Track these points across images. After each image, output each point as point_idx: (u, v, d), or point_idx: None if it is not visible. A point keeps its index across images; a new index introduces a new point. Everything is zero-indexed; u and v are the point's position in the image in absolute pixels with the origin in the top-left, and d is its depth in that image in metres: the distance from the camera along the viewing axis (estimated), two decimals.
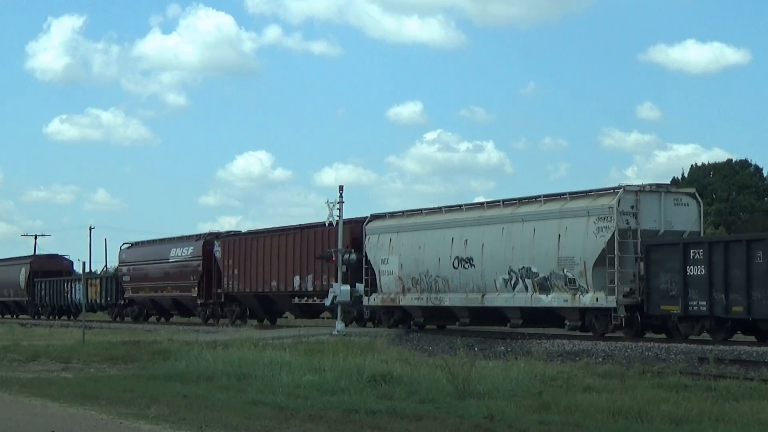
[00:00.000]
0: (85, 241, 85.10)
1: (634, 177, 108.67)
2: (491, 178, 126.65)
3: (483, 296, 30.26)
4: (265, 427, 12.35)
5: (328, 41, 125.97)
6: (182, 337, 29.72)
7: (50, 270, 61.51)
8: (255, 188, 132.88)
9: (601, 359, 22.60)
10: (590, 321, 27.62)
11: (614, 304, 26.45)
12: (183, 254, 46.25)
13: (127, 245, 52.96)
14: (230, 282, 42.26)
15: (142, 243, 52.44)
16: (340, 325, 32.51)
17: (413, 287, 32.91)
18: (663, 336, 26.72)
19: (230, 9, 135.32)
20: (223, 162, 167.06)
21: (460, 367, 16.05)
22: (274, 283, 39.41)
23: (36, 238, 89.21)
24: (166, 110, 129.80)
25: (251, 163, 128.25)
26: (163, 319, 50.71)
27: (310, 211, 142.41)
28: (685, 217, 27.75)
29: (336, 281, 33.89)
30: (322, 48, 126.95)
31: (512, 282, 29.41)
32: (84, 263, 69.79)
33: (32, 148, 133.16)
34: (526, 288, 28.92)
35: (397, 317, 34.11)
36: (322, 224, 36.40)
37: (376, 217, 35.67)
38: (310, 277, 37.38)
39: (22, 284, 62.50)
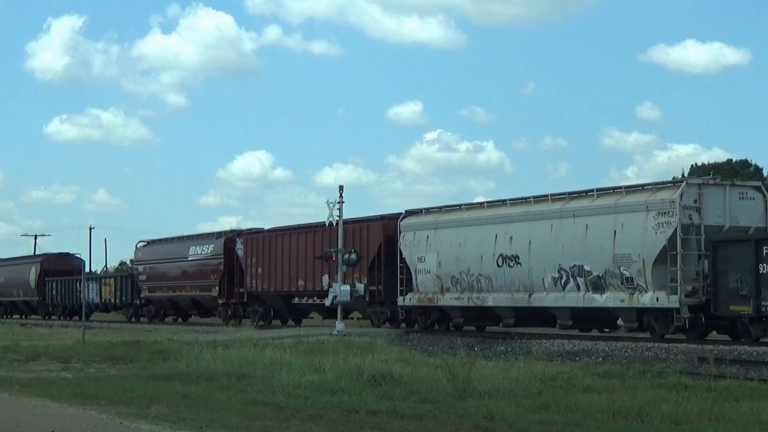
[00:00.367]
0: (85, 241, 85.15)
1: (634, 177, 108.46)
2: (491, 178, 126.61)
3: (530, 296, 28.95)
4: (265, 427, 12.34)
5: (328, 41, 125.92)
6: (182, 337, 29.73)
7: (61, 269, 59.94)
8: (255, 188, 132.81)
9: (601, 359, 22.59)
10: (649, 322, 26.26)
11: (676, 305, 25.05)
12: (203, 252, 44.77)
13: (143, 243, 51.48)
14: (253, 281, 40.93)
15: (159, 241, 50.92)
16: (340, 325, 32.48)
17: (453, 286, 31.53)
18: (727, 338, 25.76)
19: (230, 9, 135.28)
20: (223, 162, 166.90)
21: (460, 367, 16.05)
22: (300, 282, 38.08)
23: (36, 238, 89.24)
24: (166, 110, 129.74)
25: (251, 163, 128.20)
26: (180, 320, 49.46)
27: (310, 211, 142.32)
28: (751, 211, 26.21)
29: (336, 281, 33.72)
30: (322, 48, 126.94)
31: (562, 281, 28.12)
32: (84, 263, 69.37)
33: (32, 148, 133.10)
34: (578, 287, 27.62)
35: (435, 318, 32.89)
36: (352, 221, 35.74)
37: (411, 213, 34.43)
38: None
39: (32, 284, 61.15)
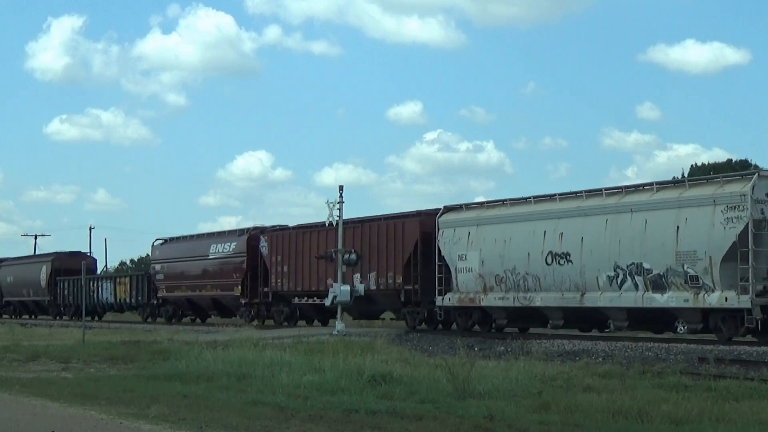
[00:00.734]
0: (85, 241, 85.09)
1: (634, 177, 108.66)
2: (491, 178, 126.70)
3: (582, 296, 27.50)
4: (265, 427, 12.34)
5: (328, 41, 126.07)
6: (182, 337, 29.74)
7: (72, 268, 57.59)
8: (255, 188, 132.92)
9: (601, 359, 22.59)
10: (715, 323, 24.89)
11: (748, 305, 23.61)
12: (225, 250, 43.18)
13: (160, 241, 50.07)
14: (278, 280, 39.47)
15: (178, 239, 49.23)
16: (340, 325, 32.42)
17: (497, 286, 30.12)
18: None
19: (230, 9, 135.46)
20: (223, 162, 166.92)
21: (460, 367, 16.05)
22: (330, 281, 36.20)
23: (36, 238, 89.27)
24: (166, 110, 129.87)
25: (251, 163, 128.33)
26: (198, 320, 48.05)
27: (311, 211, 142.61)
28: None
29: (336, 281, 33.59)
30: (322, 48, 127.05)
31: (618, 279, 26.66)
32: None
33: (32, 148, 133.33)
34: (636, 286, 26.10)
35: (476, 319, 31.51)
36: (384, 217, 35.20)
37: (450, 208, 32.87)
38: (373, 275, 34.74)
39: (43, 283, 59.95)
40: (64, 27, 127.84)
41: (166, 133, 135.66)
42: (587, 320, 29.36)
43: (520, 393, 15.43)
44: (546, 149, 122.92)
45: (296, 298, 39.01)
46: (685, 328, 26.60)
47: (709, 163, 75.95)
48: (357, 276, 34.93)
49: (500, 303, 30.17)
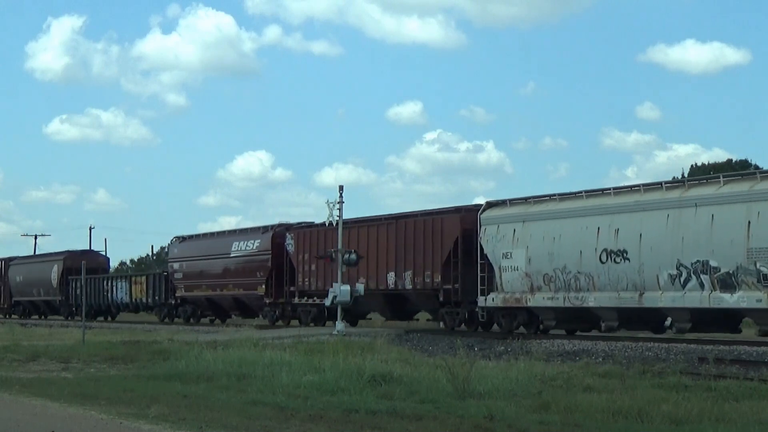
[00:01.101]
0: (85, 241, 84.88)
1: (634, 177, 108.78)
2: (491, 178, 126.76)
3: (641, 295, 26.00)
4: (265, 427, 12.34)
5: (328, 41, 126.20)
6: (182, 337, 29.74)
7: (85, 267, 59.02)
8: (255, 188, 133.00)
9: (601, 359, 22.60)
10: None
11: None
12: (248, 248, 41.74)
13: (179, 239, 48.74)
14: (306, 279, 38.20)
15: (197, 236, 48.17)
16: (340, 325, 32.39)
17: (545, 285, 28.73)
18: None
19: (230, 9, 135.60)
20: (223, 162, 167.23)
21: (460, 367, 16.04)
22: (362, 280, 35.17)
23: (36, 238, 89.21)
24: (166, 110, 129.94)
25: (251, 163, 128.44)
26: (218, 321, 46.42)
27: (311, 211, 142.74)
28: None
29: (336, 281, 33.51)
30: (322, 48, 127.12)
31: (682, 278, 25.15)
32: (84, 263, 68.70)
33: (32, 148, 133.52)
34: (702, 285, 24.62)
35: (521, 320, 30.16)
36: (421, 213, 34.21)
37: (493, 204, 31.61)
38: (408, 274, 33.61)
39: (55, 283, 58.55)
40: (64, 27, 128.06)
41: (166, 133, 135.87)
42: (644, 321, 27.77)
43: (520, 393, 15.43)
44: (546, 149, 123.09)
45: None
46: (757, 330, 25.11)
47: (709, 163, 76.00)
48: (391, 275, 34.01)
49: (549, 303, 28.76)
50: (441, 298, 32.39)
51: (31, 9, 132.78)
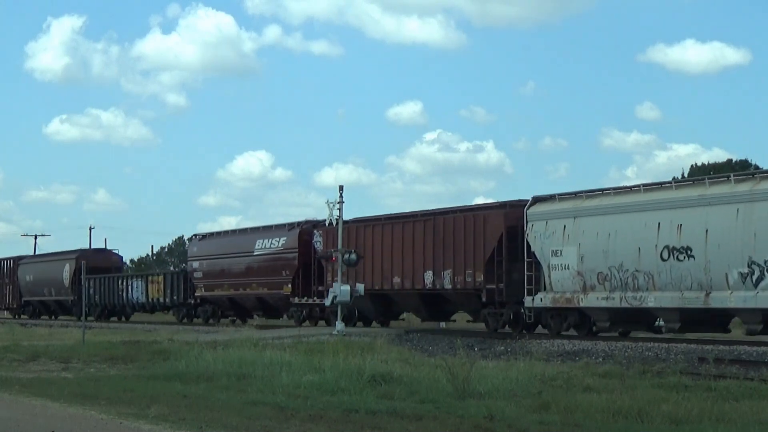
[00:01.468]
0: (85, 241, 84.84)
1: (634, 177, 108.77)
2: (491, 178, 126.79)
3: (707, 295, 24.56)
4: (265, 427, 12.34)
5: (328, 41, 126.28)
6: (182, 337, 29.74)
7: (98, 266, 55.09)
8: (255, 188, 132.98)
9: (601, 359, 22.60)
10: None
11: None
12: (273, 246, 40.06)
13: (199, 236, 47.20)
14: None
15: (218, 234, 46.56)
16: (340, 325, 32.35)
17: (599, 284, 27.20)
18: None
19: (230, 9, 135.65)
20: (223, 162, 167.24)
21: (460, 367, 16.05)
22: (396, 280, 34.02)
23: (36, 238, 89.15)
24: (166, 110, 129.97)
25: (251, 163, 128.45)
26: (239, 321, 44.09)
27: (310, 211, 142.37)
28: None
29: (336, 281, 33.43)
30: (322, 48, 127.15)
31: (754, 277, 23.72)
32: (84, 263, 68.27)
33: (32, 148, 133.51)
34: None
35: (572, 321, 28.64)
36: (461, 209, 32.89)
37: (540, 199, 29.91)
38: (448, 273, 32.04)
39: (67, 282, 56.53)
40: (64, 27, 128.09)
41: (166, 133, 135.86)
42: (709, 322, 26.11)
43: (520, 393, 15.43)
44: (546, 149, 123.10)
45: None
46: None
47: (709, 163, 75.99)
48: (428, 274, 32.62)
49: (603, 303, 27.19)
50: (484, 299, 30.99)
51: (31, 9, 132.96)
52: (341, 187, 33.94)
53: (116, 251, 60.84)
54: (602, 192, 28.64)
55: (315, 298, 37.82)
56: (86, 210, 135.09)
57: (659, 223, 25.88)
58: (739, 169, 74.79)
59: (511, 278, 29.98)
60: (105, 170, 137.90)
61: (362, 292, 33.34)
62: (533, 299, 29.02)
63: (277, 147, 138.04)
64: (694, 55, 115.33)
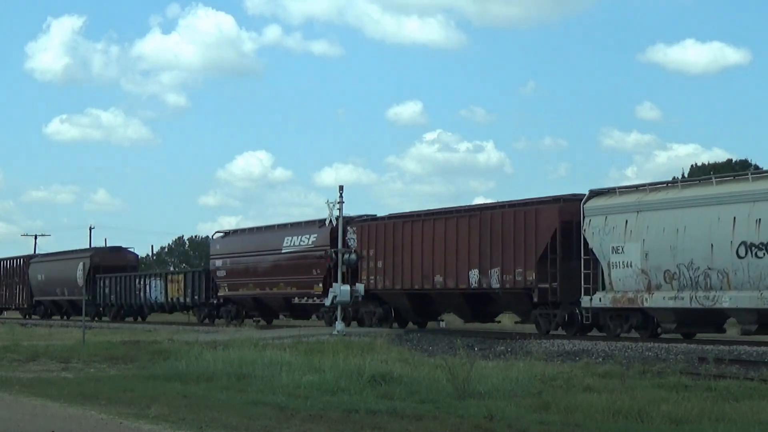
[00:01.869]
0: (85, 241, 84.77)
1: (634, 177, 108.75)
2: (491, 178, 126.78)
3: None
4: (265, 427, 12.34)
5: (328, 41, 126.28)
6: (182, 337, 29.74)
7: (113, 265, 54.14)
8: (255, 188, 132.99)
9: (601, 359, 22.60)
10: None
11: None
12: (303, 243, 38.25)
13: (221, 234, 45.68)
14: (371, 277, 34.97)
15: (243, 231, 44.70)
16: (340, 325, 32.36)
17: (666, 283, 25.53)
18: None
19: (230, 9, 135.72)
20: (223, 162, 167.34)
21: (460, 367, 16.05)
22: (438, 279, 32.42)
23: (36, 238, 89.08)
24: (166, 110, 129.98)
25: (251, 163, 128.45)
26: (263, 322, 42.89)
27: (311, 211, 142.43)
28: None
29: (336, 281, 33.40)
30: (322, 48, 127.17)
31: None
32: (84, 263, 68.00)
33: (32, 148, 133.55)
34: None
35: (634, 322, 26.92)
36: (510, 204, 31.38)
37: (598, 193, 28.36)
38: (495, 271, 30.42)
39: (81, 281, 54.56)
40: (63, 27, 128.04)
41: (166, 133, 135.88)
42: None
43: (520, 393, 15.44)
44: (546, 149, 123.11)
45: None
46: None
47: (709, 163, 76.00)
48: (474, 272, 31.05)
49: (671, 304, 25.54)
50: (535, 299, 29.42)
51: (31, 9, 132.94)
52: (341, 187, 34.01)
53: (131, 249, 59.36)
54: (667, 184, 27.47)
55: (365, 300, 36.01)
56: (86, 210, 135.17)
57: (734, 218, 24.23)
58: (739, 169, 75.01)
59: (565, 277, 28.40)
60: (105, 170, 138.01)
61: (362, 293, 33.22)
62: (591, 299, 27.39)
63: (277, 147, 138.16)
64: (694, 55, 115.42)
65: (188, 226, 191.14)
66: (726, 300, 24.42)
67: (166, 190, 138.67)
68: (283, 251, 39.78)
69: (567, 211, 28.69)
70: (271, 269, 40.31)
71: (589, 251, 27.73)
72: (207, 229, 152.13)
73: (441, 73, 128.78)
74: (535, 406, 14.08)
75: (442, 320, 36.76)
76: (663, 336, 27.11)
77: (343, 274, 34.48)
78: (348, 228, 36.26)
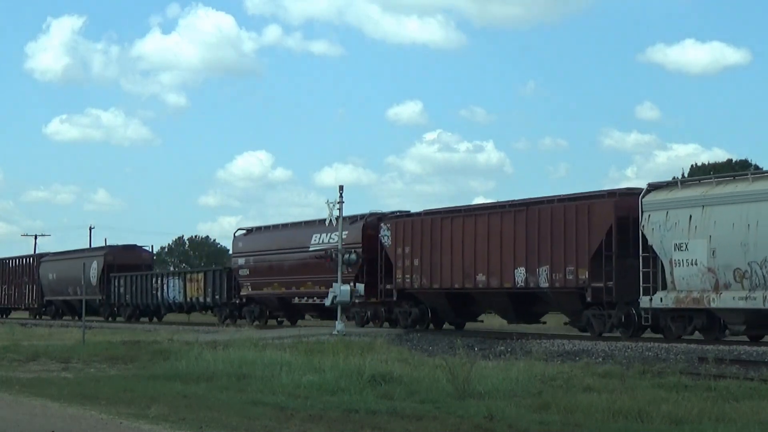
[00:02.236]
0: (85, 241, 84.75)
1: (633, 177, 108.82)
2: (491, 178, 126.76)
3: None
4: (265, 427, 12.34)
5: (328, 41, 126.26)
6: (182, 337, 29.73)
7: (127, 263, 52.95)
8: (255, 188, 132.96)
9: (601, 359, 22.60)
10: None
11: None
12: (333, 241, 36.52)
13: (244, 231, 44.06)
14: (407, 276, 33.59)
15: (267, 228, 43.01)
16: (340, 325, 32.35)
17: (736, 283, 23.97)
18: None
19: (230, 9, 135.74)
20: (223, 162, 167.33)
21: (460, 367, 16.06)
22: (480, 278, 30.95)
23: (36, 238, 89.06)
24: (166, 110, 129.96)
25: (251, 163, 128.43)
26: (287, 323, 41.88)
27: (311, 211, 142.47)
28: None
29: (338, 281, 33.35)
30: (322, 48, 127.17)
31: None
32: (84, 264, 67.88)
33: (32, 148, 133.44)
34: None
35: (699, 324, 25.40)
36: (560, 198, 29.64)
37: (658, 186, 26.79)
38: (544, 269, 29.03)
39: (94, 280, 53.36)
40: (63, 27, 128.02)
41: (166, 133, 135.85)
42: None
43: (520, 393, 15.44)
44: (546, 149, 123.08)
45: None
46: None
47: (709, 163, 76.00)
48: (520, 270, 29.63)
49: (742, 304, 23.97)
50: (589, 298, 27.85)
51: (31, 9, 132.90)
52: (341, 187, 33.97)
53: (147, 248, 58.05)
54: (735, 177, 25.98)
55: (383, 297, 35.07)
56: (86, 210, 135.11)
57: None
58: (739, 169, 74.99)
59: (621, 275, 26.93)
60: (105, 170, 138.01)
61: (362, 292, 32.98)
62: (651, 299, 25.79)
63: (277, 147, 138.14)
64: (694, 55, 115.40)
65: (188, 226, 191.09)
66: None
67: (166, 190, 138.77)
68: (310, 249, 38.17)
69: (623, 206, 27.17)
70: (298, 267, 38.57)
71: (648, 248, 26.12)
72: (207, 229, 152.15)
73: (441, 73, 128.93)
74: (535, 406, 14.08)
75: (481, 321, 35.77)
76: (728, 337, 25.70)
77: (376, 271, 33.81)
78: (381, 225, 35.12)
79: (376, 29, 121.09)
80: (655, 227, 25.89)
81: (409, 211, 36.44)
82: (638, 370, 18.99)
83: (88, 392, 16.19)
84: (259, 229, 43.55)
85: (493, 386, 15.66)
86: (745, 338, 25.61)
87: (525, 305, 31.20)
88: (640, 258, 26.11)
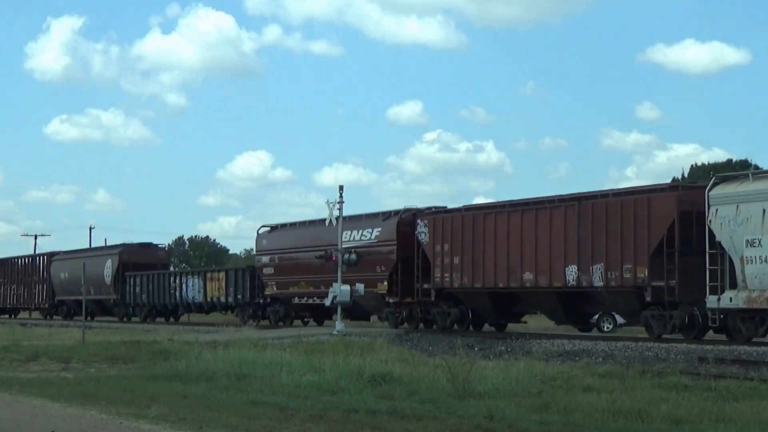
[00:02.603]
0: (85, 241, 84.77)
1: (633, 177, 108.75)
2: (491, 178, 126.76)
3: None
4: (265, 427, 12.35)
5: (328, 41, 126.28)
6: (182, 337, 29.73)
7: (143, 262, 51.61)
8: (255, 188, 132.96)
9: (601, 359, 22.61)
10: None
11: None
12: (365, 238, 35.23)
13: (268, 228, 42.31)
14: (446, 274, 31.96)
15: (293, 225, 41.37)
16: (340, 325, 32.35)
17: None
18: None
19: (230, 9, 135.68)
20: (223, 162, 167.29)
21: (460, 367, 16.06)
22: (528, 276, 29.37)
23: (36, 238, 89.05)
24: (166, 110, 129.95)
25: (251, 163, 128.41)
26: (314, 323, 40.72)
27: (310, 211, 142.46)
28: None
29: (336, 281, 33.34)
30: (322, 48, 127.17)
31: None
32: (84, 263, 67.77)
33: (32, 148, 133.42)
34: None
35: None
36: (615, 193, 28.35)
37: (726, 179, 25.41)
38: (598, 267, 27.28)
39: (108, 280, 52.18)
40: (63, 27, 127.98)
41: (166, 133, 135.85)
42: None
43: (520, 393, 15.44)
44: (546, 149, 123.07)
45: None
46: None
47: (709, 163, 76.00)
48: (572, 269, 28.03)
49: None
50: (648, 298, 26.26)
51: (31, 9, 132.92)
52: (341, 187, 33.93)
53: (162, 246, 56.90)
54: None
55: (420, 297, 33.62)
56: (86, 210, 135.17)
57: None
58: (739, 169, 75.00)
59: (684, 274, 25.40)
60: (105, 170, 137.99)
61: (362, 292, 32.79)
62: (719, 299, 24.20)
63: (277, 147, 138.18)
64: (693, 55, 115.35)
65: (188, 226, 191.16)
66: None
67: (166, 190, 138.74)
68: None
69: (686, 200, 25.63)
70: (327, 266, 35.76)
71: (715, 244, 24.50)
72: (207, 229, 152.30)
73: (441, 73, 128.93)
74: (535, 406, 14.09)
75: (524, 322, 34.62)
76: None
77: (411, 270, 32.92)
78: (418, 221, 33.60)
79: (376, 29, 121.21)
80: (723, 222, 24.28)
81: (446, 207, 34.73)
82: (638, 370, 19.00)
83: (88, 392, 16.20)
84: (284, 226, 42.09)
85: (493, 386, 15.66)
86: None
87: (576, 305, 29.79)
88: (707, 255, 24.58)
